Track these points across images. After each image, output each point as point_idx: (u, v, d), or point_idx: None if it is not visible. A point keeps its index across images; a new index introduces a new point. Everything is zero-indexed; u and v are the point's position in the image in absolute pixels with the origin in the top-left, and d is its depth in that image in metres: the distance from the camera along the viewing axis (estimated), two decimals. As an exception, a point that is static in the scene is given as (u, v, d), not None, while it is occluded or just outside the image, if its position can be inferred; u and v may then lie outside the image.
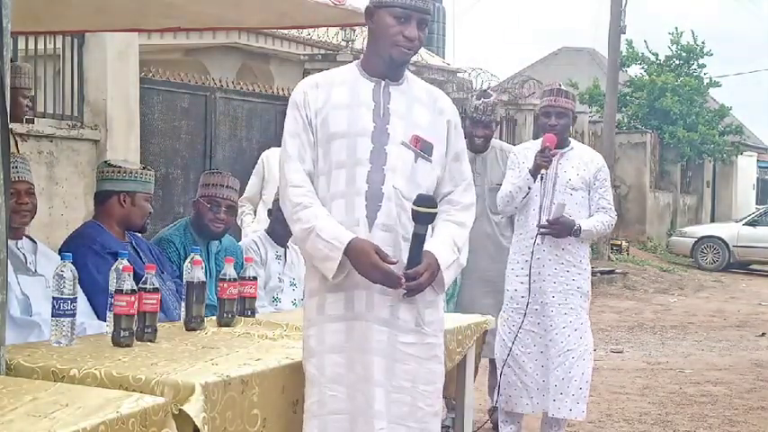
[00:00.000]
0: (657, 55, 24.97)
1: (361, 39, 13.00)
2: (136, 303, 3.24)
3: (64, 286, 3.17)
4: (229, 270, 3.84)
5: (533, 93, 16.60)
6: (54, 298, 3.19)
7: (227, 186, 4.64)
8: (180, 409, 2.64)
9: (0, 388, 2.48)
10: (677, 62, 24.93)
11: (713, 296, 15.65)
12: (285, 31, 14.00)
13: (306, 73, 12.88)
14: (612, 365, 8.54)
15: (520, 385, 5.11)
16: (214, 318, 3.86)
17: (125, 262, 3.33)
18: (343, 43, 14.42)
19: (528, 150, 5.16)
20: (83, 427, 2.19)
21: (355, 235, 2.98)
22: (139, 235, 4.24)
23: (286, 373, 3.15)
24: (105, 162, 4.33)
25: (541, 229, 5.00)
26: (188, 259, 3.71)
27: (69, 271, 3.18)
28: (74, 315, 3.20)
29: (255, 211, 6.40)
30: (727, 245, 19.90)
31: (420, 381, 3.09)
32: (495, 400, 5.39)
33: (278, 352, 3.31)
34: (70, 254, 3.28)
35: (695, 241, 20.26)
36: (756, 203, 29.92)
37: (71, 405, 2.34)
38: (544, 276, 5.04)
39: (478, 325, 4.44)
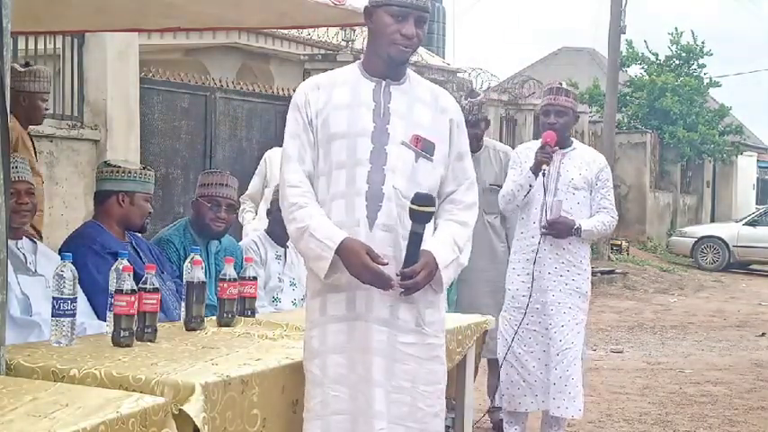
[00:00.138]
0: (657, 55, 24.98)
1: (361, 39, 13.00)
2: (136, 303, 3.24)
3: (64, 286, 3.17)
4: (229, 270, 3.84)
5: (533, 93, 16.60)
6: (54, 298, 3.19)
7: (226, 185, 4.64)
8: (180, 409, 2.64)
9: (0, 388, 2.48)
10: (677, 62, 24.93)
11: (713, 296, 15.65)
12: (285, 31, 13.98)
13: (306, 73, 12.90)
14: (612, 365, 8.54)
15: (523, 384, 5.12)
16: (214, 318, 3.86)
17: (125, 262, 3.33)
18: (343, 43, 14.42)
19: (529, 150, 5.17)
20: (83, 427, 2.19)
21: (347, 235, 2.99)
22: (139, 235, 4.25)
23: (286, 373, 3.15)
24: (105, 162, 4.33)
25: (542, 230, 5.01)
26: (188, 259, 3.71)
27: (69, 271, 3.18)
28: (74, 315, 3.20)
29: (257, 210, 6.42)
30: (727, 245, 19.90)
31: (420, 381, 3.09)
32: (495, 400, 5.39)
33: (278, 352, 3.31)
34: (70, 254, 3.28)
35: (695, 241, 20.26)
36: (756, 203, 29.92)
37: (71, 405, 2.34)
38: (544, 275, 5.05)
39: (478, 325, 4.45)
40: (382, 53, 3.11)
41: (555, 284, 5.05)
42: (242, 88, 11.68)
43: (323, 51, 14.21)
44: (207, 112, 10.94)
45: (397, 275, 2.98)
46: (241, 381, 2.91)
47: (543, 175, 5.00)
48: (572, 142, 5.24)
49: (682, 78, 24.04)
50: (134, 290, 3.24)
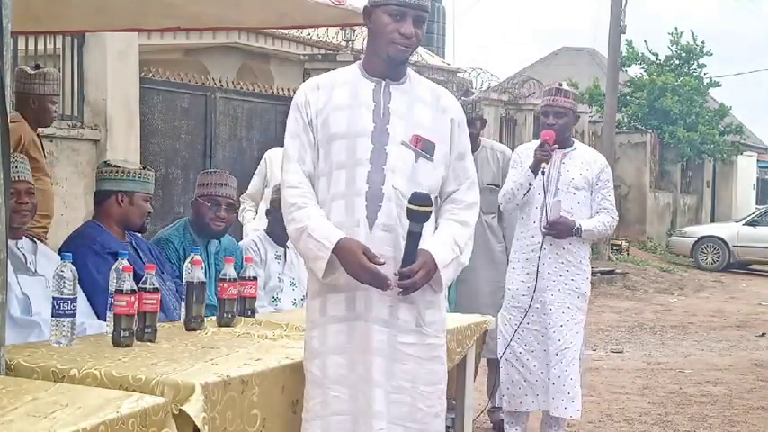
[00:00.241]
0: (657, 55, 24.99)
1: (361, 39, 12.99)
2: (136, 303, 3.24)
3: (64, 286, 3.17)
4: (229, 270, 3.84)
5: (533, 93, 16.59)
6: (54, 298, 3.19)
7: (225, 185, 4.64)
8: (180, 409, 2.64)
9: (0, 388, 2.48)
10: (677, 62, 24.94)
11: (713, 296, 15.65)
12: (285, 31, 13.98)
13: (306, 73, 12.89)
14: (612, 365, 8.54)
15: (524, 384, 5.12)
16: (214, 318, 3.86)
17: (125, 262, 3.33)
18: (343, 43, 14.41)
19: (530, 150, 5.17)
20: (83, 427, 2.19)
21: (345, 235, 2.99)
22: (139, 235, 4.24)
23: (286, 373, 3.15)
24: (104, 162, 4.34)
25: (543, 230, 5.01)
26: (188, 259, 3.72)
27: (69, 271, 3.19)
28: (74, 315, 3.20)
29: (257, 210, 6.42)
30: (727, 245, 19.90)
31: (420, 381, 3.09)
32: (495, 400, 5.39)
33: (278, 352, 3.31)
34: (70, 254, 3.28)
35: (695, 241, 20.26)
36: (756, 203, 29.92)
37: (71, 405, 2.34)
38: (543, 275, 5.05)
39: (478, 325, 4.45)
40: (381, 53, 3.11)
41: (554, 284, 5.05)
42: (242, 88, 11.68)
43: (323, 51, 14.20)
44: (207, 112, 10.94)
45: (396, 275, 2.98)
46: (241, 381, 2.91)
47: (543, 174, 5.01)
48: (573, 142, 5.25)
49: (682, 78, 24.04)
50: (134, 290, 3.24)
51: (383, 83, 3.14)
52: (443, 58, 21.14)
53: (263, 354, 3.25)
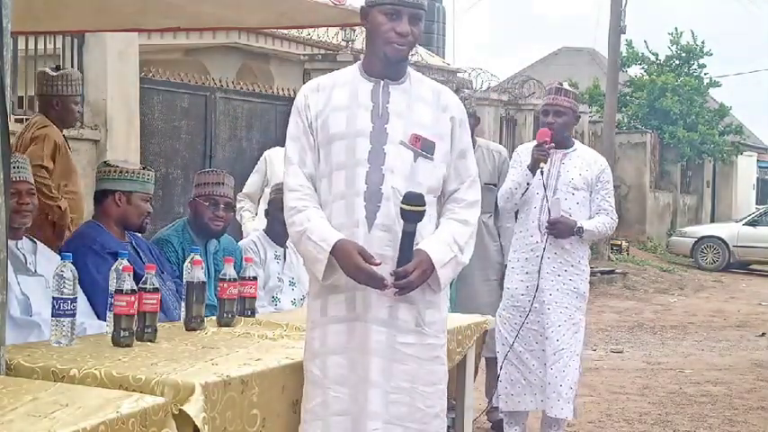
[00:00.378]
0: (657, 55, 24.99)
1: (361, 39, 12.98)
2: (136, 303, 3.24)
3: (64, 286, 3.17)
4: (229, 270, 3.84)
5: (533, 93, 16.59)
6: (54, 298, 3.19)
7: (223, 184, 4.64)
8: (180, 409, 2.64)
9: (0, 388, 2.48)
10: (677, 62, 24.94)
11: (713, 296, 15.65)
12: (285, 31, 13.99)
13: (306, 73, 12.89)
14: (612, 365, 8.54)
15: (523, 383, 5.12)
16: (214, 318, 3.86)
17: (125, 262, 3.33)
18: (343, 43, 14.41)
19: (530, 150, 5.17)
20: (83, 427, 2.19)
21: (342, 236, 2.99)
22: (139, 235, 4.24)
23: (286, 373, 3.15)
24: (104, 162, 4.34)
25: (545, 230, 5.01)
26: (188, 259, 3.72)
27: (69, 271, 3.19)
28: (74, 315, 3.20)
29: (256, 209, 6.42)
30: (727, 245, 19.90)
31: (420, 381, 3.09)
32: (494, 400, 5.39)
33: (278, 352, 3.31)
34: (70, 254, 3.28)
35: (695, 241, 20.25)
36: (756, 203, 29.92)
37: (71, 405, 2.34)
38: (542, 274, 5.05)
39: (478, 325, 4.45)
40: (379, 52, 3.11)
41: (552, 284, 5.05)
42: (242, 88, 11.68)
43: (323, 51, 14.20)
44: (207, 112, 10.94)
45: (391, 275, 2.98)
46: (241, 381, 2.91)
47: (542, 174, 5.01)
48: (573, 143, 5.25)
49: (682, 78, 24.04)
50: (134, 290, 3.24)
51: (382, 83, 3.14)
52: (443, 58, 21.13)
53: (263, 354, 3.25)
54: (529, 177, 5.03)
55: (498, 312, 5.19)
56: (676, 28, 25.15)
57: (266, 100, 11.85)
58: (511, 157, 5.43)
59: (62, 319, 3.17)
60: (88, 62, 9.07)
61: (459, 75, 16.53)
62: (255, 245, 4.95)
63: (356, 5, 4.34)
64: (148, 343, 3.29)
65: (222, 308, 3.82)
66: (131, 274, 3.24)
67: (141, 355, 3.07)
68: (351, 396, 3.05)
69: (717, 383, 7.79)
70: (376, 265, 2.96)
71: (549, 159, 5.01)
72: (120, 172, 4.10)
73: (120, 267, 3.29)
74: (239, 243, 4.98)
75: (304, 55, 14.01)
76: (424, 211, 3.00)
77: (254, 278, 4.09)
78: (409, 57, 3.22)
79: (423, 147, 3.09)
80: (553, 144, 5.01)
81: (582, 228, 5.03)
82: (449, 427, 5.04)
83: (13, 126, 6.99)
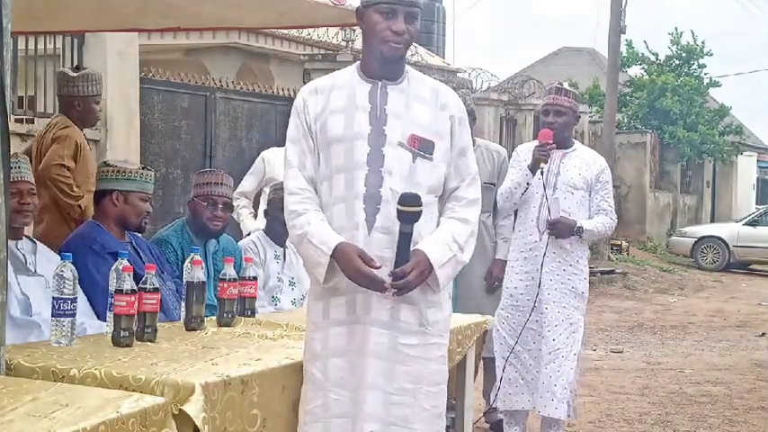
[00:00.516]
0: (657, 55, 24.99)
1: (360, 39, 12.99)
2: (136, 303, 3.24)
3: (64, 286, 3.17)
4: (229, 270, 3.84)
5: (533, 93, 16.58)
6: (54, 298, 3.19)
7: (221, 184, 4.64)
8: (180, 409, 2.64)
9: (0, 388, 2.48)
10: (677, 62, 24.94)
11: (713, 296, 15.65)
12: (285, 31, 13.99)
13: (306, 73, 12.88)
14: (612, 365, 8.54)
15: (521, 382, 5.13)
16: (214, 318, 3.86)
17: (125, 262, 3.33)
18: (343, 43, 14.41)
19: (529, 149, 5.18)
20: (83, 427, 2.19)
21: (342, 239, 2.99)
22: (139, 235, 4.24)
23: (286, 373, 3.15)
24: (104, 162, 4.34)
25: (547, 230, 5.02)
26: (188, 259, 3.72)
27: (69, 271, 3.19)
28: (74, 315, 3.20)
29: (254, 208, 6.41)
30: (727, 245, 19.90)
31: (424, 382, 3.09)
32: (492, 400, 5.40)
33: (278, 352, 3.31)
34: (70, 254, 3.28)
35: (695, 241, 20.25)
36: (756, 203, 29.92)
37: (71, 405, 2.34)
38: (541, 273, 5.06)
39: (478, 325, 4.45)
40: (375, 52, 3.11)
41: (551, 283, 5.06)
42: (242, 88, 11.68)
43: (323, 51, 14.20)
44: (207, 112, 10.93)
45: (389, 276, 2.98)
46: (241, 381, 2.91)
47: (542, 173, 5.01)
48: (573, 143, 5.26)
49: (682, 78, 24.04)
50: (134, 290, 3.24)
51: (380, 84, 3.13)
52: (443, 58, 21.13)
53: (263, 354, 3.25)
54: (529, 177, 5.03)
55: (497, 312, 5.19)
56: (676, 28, 25.19)
57: (266, 100, 11.85)
58: (510, 157, 5.44)
59: (62, 319, 3.17)
60: (88, 62, 9.04)
61: (459, 75, 16.53)
62: (255, 245, 4.95)
63: (356, 5, 4.34)
64: (148, 343, 3.29)
65: (222, 308, 3.82)
66: (131, 274, 3.24)
67: (141, 355, 3.07)
68: (351, 399, 3.04)
69: (717, 383, 7.79)
70: (376, 268, 2.96)
71: (549, 159, 5.02)
72: (118, 172, 4.10)
73: (120, 267, 3.29)
74: (239, 243, 4.98)
75: (304, 55, 14.01)
76: (421, 211, 3.00)
77: (254, 278, 4.09)
78: (407, 56, 3.22)
79: (421, 147, 3.09)
80: (554, 145, 5.01)
81: (582, 227, 5.03)
82: (448, 426, 5.05)
83: (12, 126, 6.99)
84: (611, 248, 18.30)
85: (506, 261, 5.52)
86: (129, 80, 9.32)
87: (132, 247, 4.06)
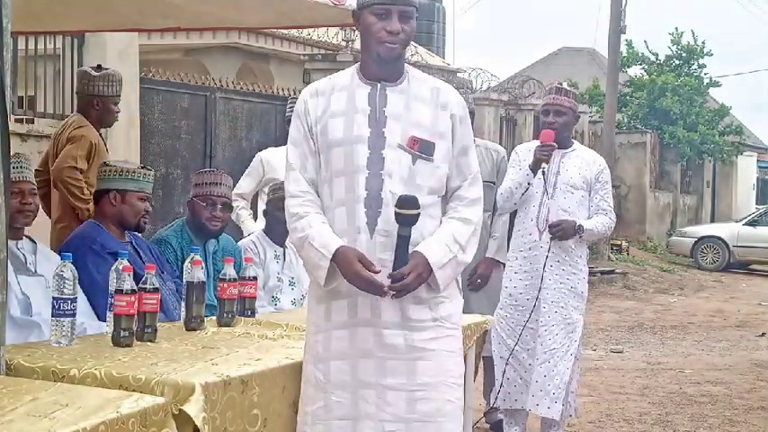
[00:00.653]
0: (657, 55, 24.99)
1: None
2: (136, 303, 3.24)
3: (64, 286, 3.17)
4: (229, 270, 3.84)
5: (533, 93, 16.57)
6: (54, 298, 3.19)
7: (220, 184, 4.64)
8: (180, 409, 2.64)
9: (0, 388, 2.48)
10: (677, 62, 24.94)
11: (713, 296, 15.65)
12: (285, 31, 13.99)
13: (306, 73, 12.89)
14: (612, 365, 8.54)
15: (520, 381, 5.13)
16: (214, 318, 3.86)
17: (125, 262, 3.33)
18: (343, 43, 14.41)
19: (529, 149, 5.18)
20: (83, 427, 2.19)
21: (343, 243, 3.00)
22: (139, 235, 4.24)
23: (286, 373, 3.15)
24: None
25: (549, 233, 5.02)
26: (188, 259, 3.72)
27: (69, 271, 3.19)
28: (74, 315, 3.20)
29: (254, 209, 6.40)
30: (727, 245, 19.90)
31: (445, 374, 3.08)
32: (492, 400, 5.40)
33: (278, 352, 3.31)
34: (70, 254, 3.28)
35: (695, 241, 20.25)
36: (756, 203, 29.91)
37: (71, 405, 2.34)
38: (544, 273, 5.06)
39: (478, 325, 4.44)
40: (372, 53, 3.11)
41: (550, 283, 5.06)
42: (242, 88, 11.68)
43: (323, 51, 14.20)
44: (207, 112, 10.93)
45: (388, 278, 2.98)
46: (241, 381, 2.91)
47: (543, 173, 5.02)
48: (572, 143, 5.26)
49: (682, 78, 24.04)
50: (134, 290, 3.24)
51: (379, 86, 3.12)
52: (443, 58, 21.13)
53: (263, 354, 3.26)
54: (530, 177, 5.04)
55: (496, 311, 5.19)
56: (677, 28, 25.18)
57: (266, 100, 11.85)
58: (509, 157, 5.44)
59: (62, 319, 3.17)
60: (88, 62, 9.04)
61: (459, 75, 16.52)
62: (255, 245, 4.95)
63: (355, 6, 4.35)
64: (148, 343, 3.29)
65: (222, 308, 3.83)
66: (131, 274, 3.24)
67: (141, 355, 3.07)
68: (352, 401, 3.04)
69: (717, 383, 7.79)
70: (376, 272, 2.97)
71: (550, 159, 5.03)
72: (115, 171, 4.10)
73: (120, 267, 3.29)
74: (239, 243, 4.98)
75: (304, 55, 14.01)
76: (419, 214, 2.99)
77: (254, 278, 4.09)
78: (404, 55, 3.21)
79: (421, 148, 3.08)
80: (556, 145, 5.02)
81: (582, 227, 5.04)
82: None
83: (12, 126, 6.99)
84: (611, 248, 18.30)
85: (494, 259, 5.53)
86: (129, 80, 9.28)
87: (132, 247, 4.06)
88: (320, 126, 3.11)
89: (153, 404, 2.46)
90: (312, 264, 3.05)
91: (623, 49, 21.88)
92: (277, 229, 4.92)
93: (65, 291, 3.17)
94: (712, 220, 24.87)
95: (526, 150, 5.21)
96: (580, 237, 5.08)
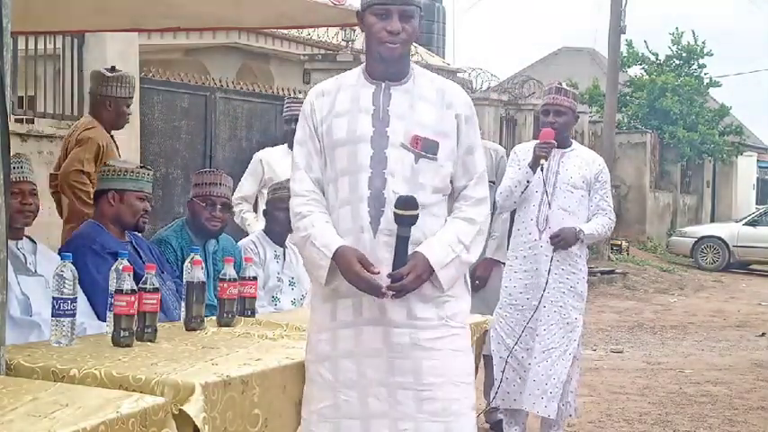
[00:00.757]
0: (657, 55, 24.99)
1: (361, 39, 12.99)
2: (136, 303, 3.24)
3: (64, 286, 3.17)
4: (229, 270, 3.84)
5: (533, 93, 16.58)
6: (54, 298, 3.19)
7: (220, 184, 4.64)
8: (180, 409, 2.64)
9: (0, 388, 2.48)
10: (677, 62, 24.94)
11: (713, 296, 15.65)
12: (285, 31, 14.00)
13: (306, 73, 12.90)
14: (612, 365, 8.54)
15: (519, 381, 5.13)
16: (214, 318, 3.86)
17: (125, 262, 3.33)
18: (343, 43, 14.42)
19: (528, 149, 5.18)
20: (83, 427, 2.19)
21: (343, 243, 3.00)
22: (139, 234, 4.24)
23: (286, 373, 3.15)
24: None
25: (552, 243, 5.02)
26: (188, 259, 3.72)
27: (69, 271, 3.18)
28: (74, 315, 3.20)
29: (257, 211, 6.40)
30: (727, 245, 19.90)
31: (452, 373, 3.07)
32: (491, 399, 5.40)
33: (278, 352, 3.31)
34: (70, 254, 3.28)
35: (695, 241, 20.25)
36: (756, 203, 29.91)
37: (71, 405, 2.34)
38: (541, 273, 5.06)
39: (478, 325, 4.44)
40: (375, 54, 3.12)
41: (549, 282, 5.06)
42: (242, 88, 11.69)
43: (323, 51, 14.21)
44: (207, 112, 10.94)
45: (387, 277, 2.98)
46: (241, 381, 2.91)
47: (542, 171, 5.02)
48: (572, 143, 5.27)
49: (682, 78, 24.04)
50: (134, 290, 3.24)
51: (383, 85, 3.13)
52: (443, 58, 21.15)
53: (263, 354, 3.25)
54: (529, 175, 5.04)
55: (496, 311, 5.20)
56: (677, 28, 25.19)
57: (266, 100, 11.85)
58: (509, 156, 5.44)
59: (62, 319, 3.17)
60: (88, 62, 9.06)
61: (459, 75, 16.53)
62: (255, 245, 4.95)
63: (356, 5, 4.35)
64: (148, 343, 3.29)
65: (222, 308, 3.82)
66: (131, 274, 3.24)
67: (141, 355, 3.07)
68: (360, 400, 3.04)
69: (717, 383, 7.79)
70: (375, 273, 2.97)
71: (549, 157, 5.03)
72: (114, 171, 4.10)
73: (120, 267, 3.29)
74: (239, 243, 4.98)
75: (304, 55, 14.02)
76: (417, 215, 2.99)
77: (254, 278, 4.09)
78: (408, 55, 3.21)
79: (423, 147, 3.08)
80: (555, 143, 5.02)
81: (582, 231, 5.05)
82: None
83: (12, 126, 6.99)
84: (611, 248, 18.30)
85: (493, 259, 5.53)
86: (128, 80, 9.31)
87: (132, 247, 4.06)
88: (325, 126, 3.12)
89: (153, 404, 2.46)
90: (313, 263, 3.06)
91: (623, 49, 21.89)
92: (277, 229, 4.92)
93: (65, 291, 3.17)
94: (712, 221, 24.87)
95: (525, 150, 5.21)
96: (582, 242, 5.09)
